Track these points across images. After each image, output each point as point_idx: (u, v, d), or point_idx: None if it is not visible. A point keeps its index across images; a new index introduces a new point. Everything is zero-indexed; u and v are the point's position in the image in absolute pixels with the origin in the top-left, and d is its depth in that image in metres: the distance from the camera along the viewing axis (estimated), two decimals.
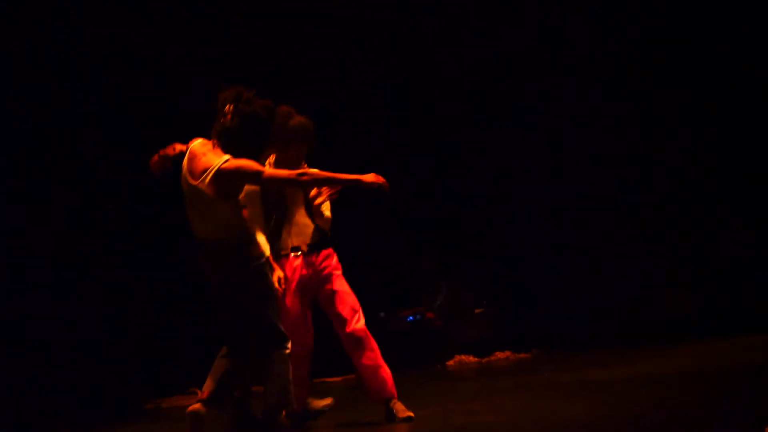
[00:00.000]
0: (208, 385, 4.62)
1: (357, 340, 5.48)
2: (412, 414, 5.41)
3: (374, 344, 5.56)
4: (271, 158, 5.58)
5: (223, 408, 4.70)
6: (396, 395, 5.47)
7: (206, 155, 4.60)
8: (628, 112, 10.46)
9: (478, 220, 11.49)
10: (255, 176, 4.58)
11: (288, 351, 4.71)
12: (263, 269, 4.71)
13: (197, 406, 4.51)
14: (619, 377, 6.50)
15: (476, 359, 10.14)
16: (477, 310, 10.87)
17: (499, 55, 10.77)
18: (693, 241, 10.28)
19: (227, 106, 4.60)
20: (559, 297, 10.45)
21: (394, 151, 10.94)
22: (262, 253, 4.76)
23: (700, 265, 10.17)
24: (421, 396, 6.74)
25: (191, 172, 4.61)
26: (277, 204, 5.56)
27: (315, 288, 5.61)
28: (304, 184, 4.87)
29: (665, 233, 10.41)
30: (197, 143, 4.71)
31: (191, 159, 4.66)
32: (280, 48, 10.13)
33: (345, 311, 5.52)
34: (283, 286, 5.38)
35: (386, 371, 5.51)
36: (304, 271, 5.55)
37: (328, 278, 5.61)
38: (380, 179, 4.90)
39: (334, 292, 5.57)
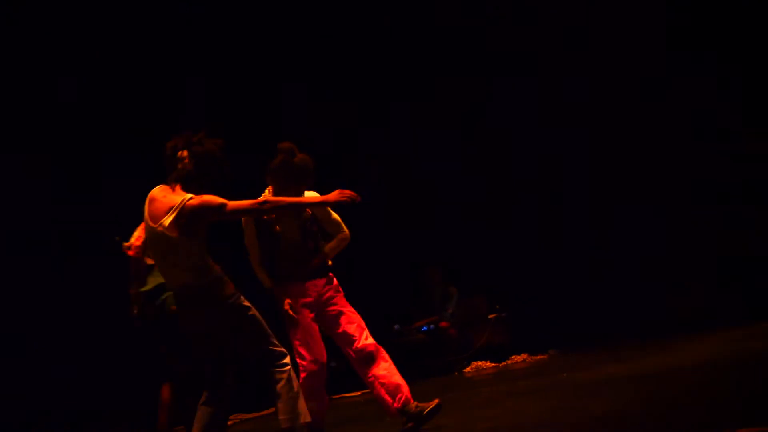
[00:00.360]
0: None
1: (369, 354, 5.52)
2: (438, 400, 5.47)
3: (387, 355, 5.58)
4: (268, 190, 5.63)
5: None
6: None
7: (167, 197, 4.64)
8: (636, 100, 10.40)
9: (481, 226, 11.53)
10: (219, 209, 4.59)
11: (288, 366, 4.74)
12: (239, 302, 4.71)
13: None
14: (637, 372, 6.46)
15: (493, 364, 10.11)
16: (490, 316, 10.86)
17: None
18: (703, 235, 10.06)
19: (179, 153, 4.66)
20: (571, 296, 10.35)
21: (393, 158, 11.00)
22: (234, 291, 4.73)
23: (708, 258, 9.94)
24: (442, 405, 6.70)
25: (152, 216, 4.65)
26: (271, 236, 5.57)
27: (319, 312, 5.62)
28: (267, 212, 4.88)
29: (675, 228, 10.22)
30: (156, 189, 4.72)
31: (151, 202, 4.70)
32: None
33: (352, 329, 5.58)
34: (294, 312, 5.44)
35: (402, 379, 5.53)
36: (309, 298, 5.57)
37: (331, 301, 5.65)
38: (346, 194, 4.84)
39: (340, 313, 5.62)
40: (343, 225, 5.83)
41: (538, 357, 9.98)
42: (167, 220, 4.55)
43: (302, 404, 4.75)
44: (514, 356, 10.14)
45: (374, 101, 10.94)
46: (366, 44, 10.78)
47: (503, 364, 10.06)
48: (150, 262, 5.92)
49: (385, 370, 5.50)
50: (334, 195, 4.83)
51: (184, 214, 4.55)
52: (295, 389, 4.74)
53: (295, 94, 10.50)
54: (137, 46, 9.53)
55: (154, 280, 5.97)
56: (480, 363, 10.23)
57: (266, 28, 10.30)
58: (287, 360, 4.77)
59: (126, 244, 6.13)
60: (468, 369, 10.22)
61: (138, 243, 6.04)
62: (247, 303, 4.77)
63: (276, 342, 4.79)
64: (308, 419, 4.76)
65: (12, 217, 8.98)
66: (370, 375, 5.50)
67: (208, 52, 9.87)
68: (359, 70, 10.86)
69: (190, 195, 4.61)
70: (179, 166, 4.67)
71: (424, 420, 5.43)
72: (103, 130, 9.53)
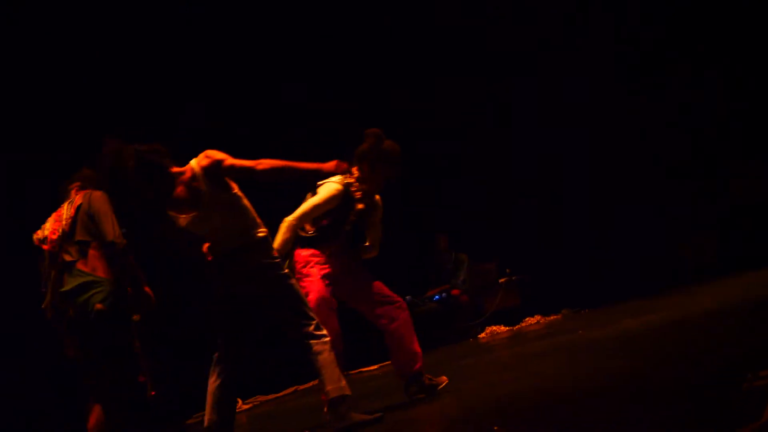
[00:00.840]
0: (210, 417, 4.66)
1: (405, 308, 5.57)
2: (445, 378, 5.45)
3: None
4: (354, 174, 5.52)
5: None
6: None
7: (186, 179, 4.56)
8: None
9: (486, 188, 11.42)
10: (219, 163, 4.55)
11: (327, 338, 4.68)
12: (280, 267, 4.71)
13: None
14: (653, 325, 6.30)
15: (507, 328, 10.04)
16: (501, 280, 10.89)
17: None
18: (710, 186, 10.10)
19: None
20: (581, 253, 10.39)
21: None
22: (276, 257, 4.73)
23: (719, 211, 10.01)
24: (460, 371, 6.56)
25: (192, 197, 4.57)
26: (346, 211, 5.52)
27: (344, 284, 5.54)
28: (260, 174, 4.62)
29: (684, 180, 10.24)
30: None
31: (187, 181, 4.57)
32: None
33: (388, 290, 5.61)
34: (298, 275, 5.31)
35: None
36: (336, 269, 5.48)
37: (360, 273, 5.63)
38: (342, 166, 4.71)
39: (371, 278, 5.63)
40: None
41: (552, 317, 9.89)
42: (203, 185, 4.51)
43: (343, 378, 4.69)
44: (527, 318, 10.08)
45: (374, 101, 10.86)
46: (366, 44, 10.76)
47: (517, 327, 9.97)
48: (68, 258, 5.08)
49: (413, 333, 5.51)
50: (331, 164, 4.68)
51: (208, 173, 4.53)
52: (335, 360, 4.69)
53: (295, 94, 10.50)
54: (136, 46, 9.53)
55: (73, 280, 5.03)
56: (494, 328, 10.12)
57: (266, 28, 10.29)
58: (325, 331, 4.71)
59: (37, 236, 5.25)
60: (483, 334, 10.11)
61: (54, 236, 5.16)
62: (287, 271, 4.75)
63: (313, 314, 4.74)
64: (349, 392, 4.69)
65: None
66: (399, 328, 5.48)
67: (206, 52, 9.87)
68: (359, 70, 10.82)
69: (194, 161, 4.54)
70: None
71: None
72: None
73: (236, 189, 4.67)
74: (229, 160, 4.57)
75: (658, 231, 10.17)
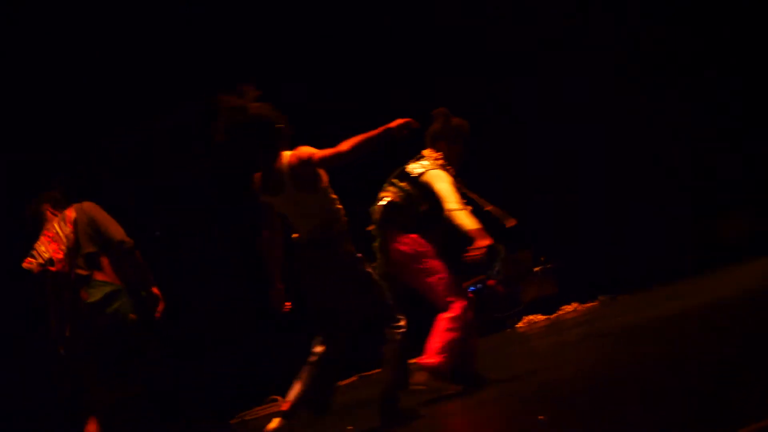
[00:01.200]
0: (294, 392, 4.65)
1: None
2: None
3: None
4: (433, 155, 5.50)
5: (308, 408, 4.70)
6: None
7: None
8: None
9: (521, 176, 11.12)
10: (308, 161, 4.54)
11: (403, 329, 4.67)
12: (357, 259, 4.72)
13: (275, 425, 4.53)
14: (690, 308, 6.16)
15: (545, 317, 9.84)
16: (536, 269, 10.86)
17: None
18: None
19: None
20: (615, 238, 10.16)
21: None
22: (354, 249, 4.75)
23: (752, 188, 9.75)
24: (499, 361, 6.49)
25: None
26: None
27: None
28: (348, 155, 4.57)
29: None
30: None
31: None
32: None
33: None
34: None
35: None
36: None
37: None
38: (404, 119, 4.60)
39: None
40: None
41: (588, 304, 9.70)
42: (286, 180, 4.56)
43: (407, 371, 4.74)
44: (564, 306, 9.91)
45: (374, 101, 10.49)
46: (366, 44, 10.58)
47: (555, 315, 9.79)
48: (82, 273, 4.92)
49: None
50: (395, 122, 4.60)
51: (293, 173, 4.56)
52: (404, 356, 4.70)
53: (295, 94, 10.03)
54: (135, 46, 9.41)
55: (97, 291, 4.89)
56: (531, 317, 9.94)
57: (265, 28, 10.15)
58: (403, 323, 4.69)
59: (34, 262, 4.99)
60: (520, 324, 9.94)
61: (60, 255, 4.95)
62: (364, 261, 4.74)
63: (392, 305, 4.73)
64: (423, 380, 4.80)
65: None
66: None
67: (205, 52, 9.74)
68: (359, 70, 10.67)
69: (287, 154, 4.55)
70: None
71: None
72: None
73: (325, 182, 4.71)
74: (318, 154, 4.57)
75: (687, 211, 10.06)
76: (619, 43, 10.33)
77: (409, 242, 5.35)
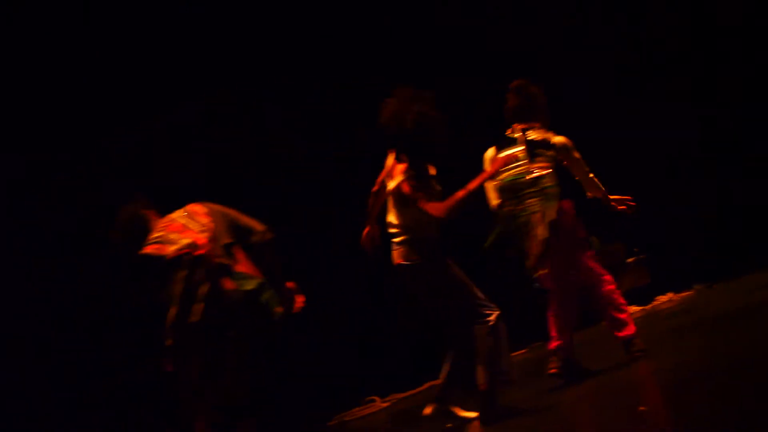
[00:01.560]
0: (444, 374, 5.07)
1: None
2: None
3: None
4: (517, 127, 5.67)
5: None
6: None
7: (392, 163, 5.14)
8: None
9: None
10: (404, 194, 5.02)
11: (491, 323, 4.86)
12: (443, 262, 5.03)
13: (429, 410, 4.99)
14: None
15: (640, 308, 9.48)
16: (629, 260, 10.25)
17: None
18: None
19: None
20: (708, 225, 9.86)
21: None
22: (441, 252, 5.06)
23: None
24: (596, 352, 6.64)
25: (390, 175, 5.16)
26: None
27: None
28: (464, 201, 4.94)
29: None
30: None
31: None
32: None
33: None
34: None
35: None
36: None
37: None
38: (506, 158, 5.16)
39: None
40: None
41: (684, 294, 9.46)
42: (391, 185, 5.08)
43: (500, 363, 4.88)
44: (659, 297, 9.61)
45: (374, 101, 10.50)
46: (366, 44, 10.50)
47: (650, 306, 9.54)
48: (225, 261, 4.78)
49: None
50: (490, 167, 5.21)
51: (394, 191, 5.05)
52: (494, 349, 4.86)
53: (295, 93, 10.29)
54: (135, 46, 9.37)
55: (245, 282, 4.78)
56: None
57: (265, 28, 10.13)
58: (492, 318, 4.89)
59: (167, 247, 4.82)
60: None
61: (203, 240, 4.80)
62: (451, 263, 5.03)
63: (483, 303, 4.94)
64: (512, 377, 4.94)
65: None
66: None
67: (205, 52, 9.71)
68: (359, 70, 10.49)
69: (401, 178, 4.99)
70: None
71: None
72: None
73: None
74: (421, 202, 4.93)
75: None
76: (619, 43, 10.35)
77: (570, 209, 5.54)
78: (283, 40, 10.15)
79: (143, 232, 4.98)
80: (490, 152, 5.70)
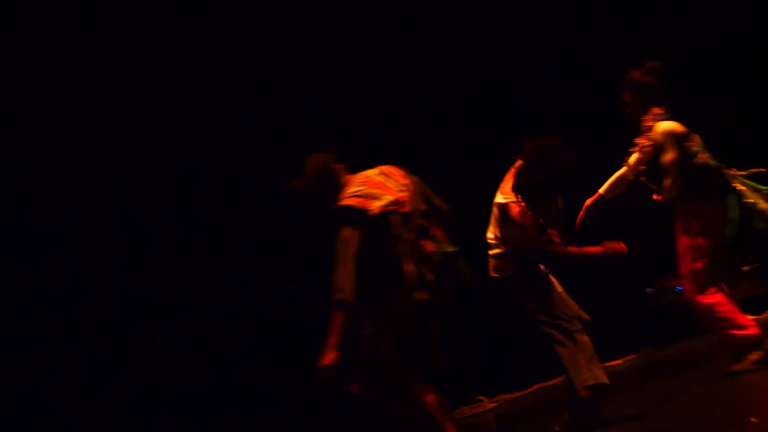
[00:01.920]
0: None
1: None
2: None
3: None
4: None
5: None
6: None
7: (507, 179, 5.41)
8: None
9: None
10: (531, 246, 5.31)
11: (579, 332, 5.07)
12: (527, 273, 5.30)
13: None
14: None
15: (755, 317, 9.07)
16: (744, 268, 10.07)
17: None
18: None
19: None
20: None
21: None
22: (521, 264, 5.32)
23: None
24: (705, 361, 6.81)
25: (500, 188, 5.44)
26: None
27: None
28: (566, 259, 5.36)
29: None
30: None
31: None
32: None
33: None
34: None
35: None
36: None
37: None
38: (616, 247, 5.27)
39: None
40: None
41: None
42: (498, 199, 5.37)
43: (593, 368, 4.96)
44: None
45: (373, 101, 10.60)
46: (366, 44, 10.53)
47: (765, 314, 9.38)
48: (423, 224, 4.85)
49: None
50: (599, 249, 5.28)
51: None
52: (575, 352, 4.98)
53: (294, 93, 10.30)
54: (136, 45, 9.37)
55: (445, 245, 4.89)
56: None
57: (265, 28, 10.13)
58: (577, 327, 5.08)
59: (371, 203, 4.81)
60: None
61: (408, 199, 4.89)
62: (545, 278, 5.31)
63: (565, 313, 5.15)
64: (602, 380, 4.95)
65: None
66: None
67: (205, 52, 9.73)
68: (359, 70, 10.56)
69: (509, 200, 5.29)
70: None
71: None
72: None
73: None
74: (528, 232, 5.22)
75: None
76: (619, 43, 10.35)
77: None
78: (283, 40, 10.20)
79: (335, 184, 4.93)
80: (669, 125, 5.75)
